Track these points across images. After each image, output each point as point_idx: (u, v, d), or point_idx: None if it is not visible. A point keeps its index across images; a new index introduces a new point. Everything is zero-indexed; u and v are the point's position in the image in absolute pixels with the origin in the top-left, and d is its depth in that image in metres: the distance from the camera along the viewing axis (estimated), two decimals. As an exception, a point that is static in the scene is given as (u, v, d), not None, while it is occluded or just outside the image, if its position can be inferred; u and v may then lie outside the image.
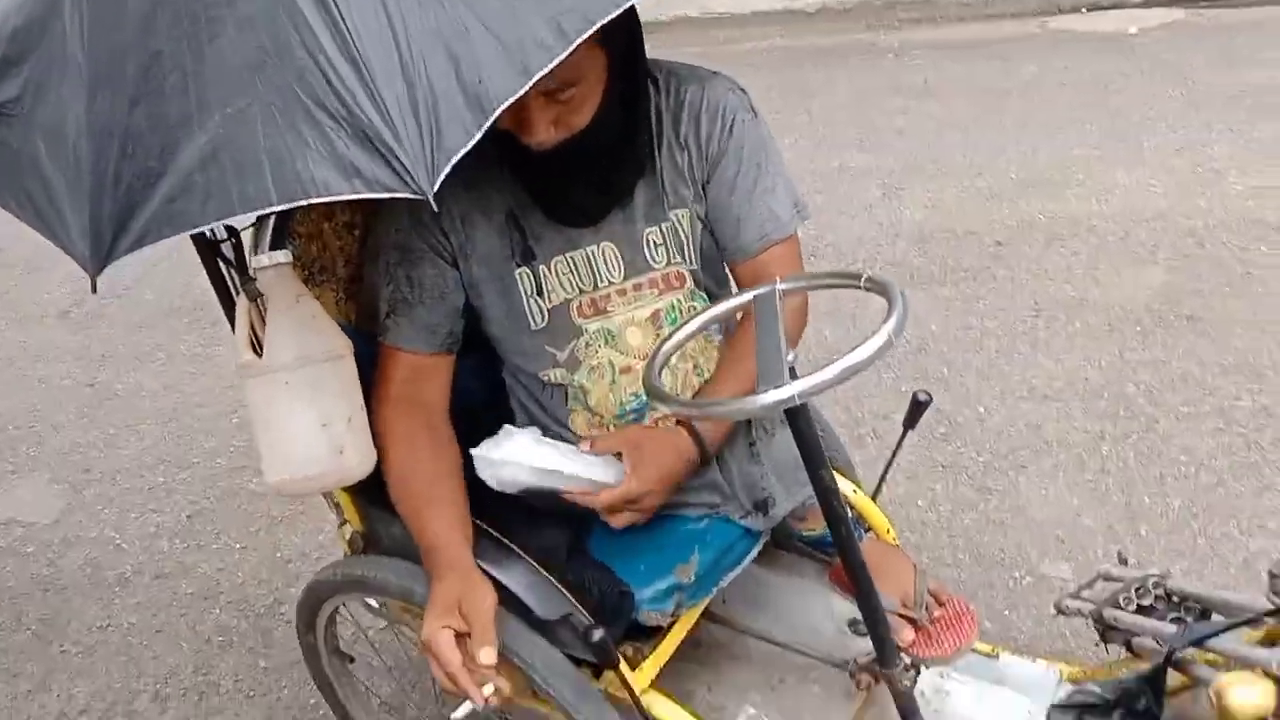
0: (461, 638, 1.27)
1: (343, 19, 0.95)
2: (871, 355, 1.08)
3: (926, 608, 1.57)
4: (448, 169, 0.91)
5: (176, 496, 2.98)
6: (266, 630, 2.43)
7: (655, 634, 1.54)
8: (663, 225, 1.46)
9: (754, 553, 1.61)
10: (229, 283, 1.44)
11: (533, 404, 1.55)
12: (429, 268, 1.43)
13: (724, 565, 1.57)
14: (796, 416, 1.23)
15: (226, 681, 2.32)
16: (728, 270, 1.56)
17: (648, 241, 1.46)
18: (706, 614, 1.71)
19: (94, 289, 1.17)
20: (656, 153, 1.43)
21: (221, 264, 1.44)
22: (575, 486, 1.42)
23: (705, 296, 1.52)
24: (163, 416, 3.40)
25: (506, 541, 1.46)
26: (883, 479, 1.76)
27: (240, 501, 2.90)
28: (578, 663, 1.45)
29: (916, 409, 1.62)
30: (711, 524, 1.58)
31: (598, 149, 1.34)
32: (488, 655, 1.24)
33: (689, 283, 1.49)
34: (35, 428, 3.46)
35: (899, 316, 1.10)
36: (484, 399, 1.61)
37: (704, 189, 1.46)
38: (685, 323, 1.39)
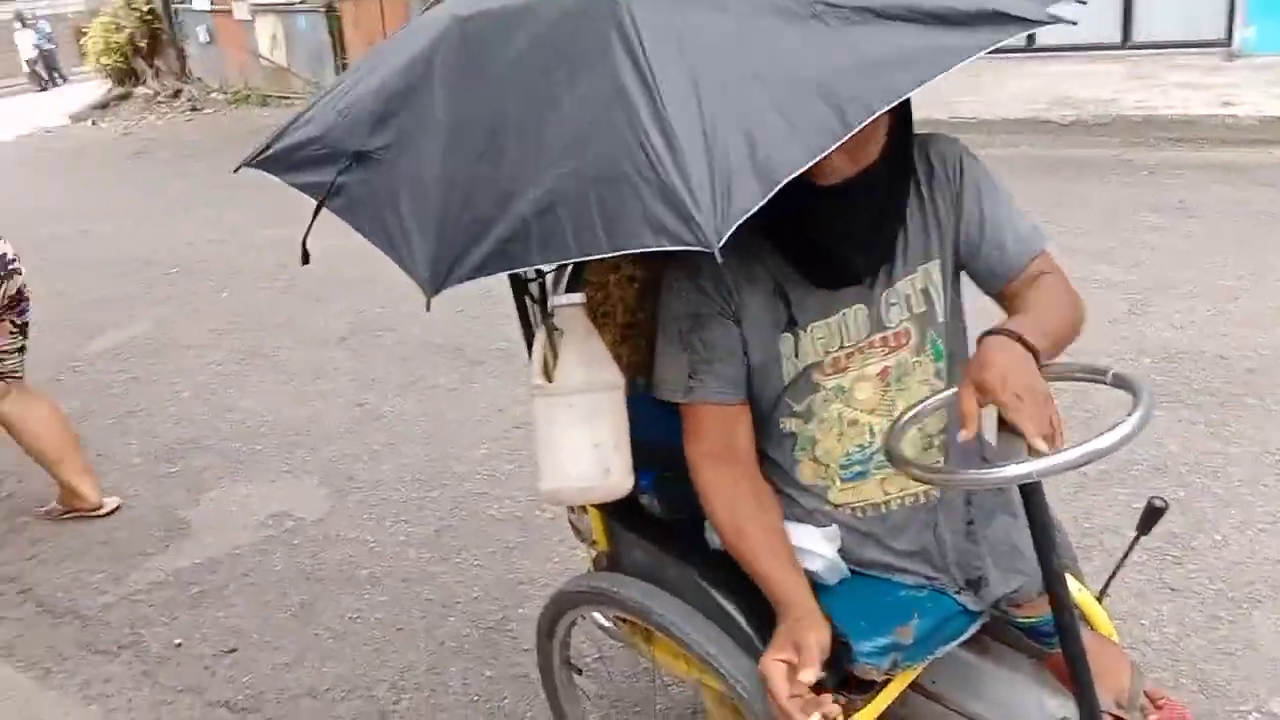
0: (793, 671, 1.38)
1: (662, 104, 1.15)
2: (1115, 443, 1.15)
3: (1142, 709, 1.58)
4: (733, 228, 1.06)
5: (426, 512, 3.28)
6: (494, 643, 2.65)
7: (865, 690, 1.62)
8: (902, 282, 1.57)
9: (971, 630, 1.66)
10: (531, 316, 1.68)
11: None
12: (718, 329, 1.57)
13: (941, 636, 1.63)
14: (1032, 494, 1.30)
15: (455, 683, 2.54)
16: (997, 295, 1.62)
17: (885, 301, 1.57)
18: (916, 686, 1.77)
19: (428, 308, 1.40)
20: (906, 208, 1.56)
21: (528, 299, 1.68)
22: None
23: (940, 350, 1.61)
24: (420, 440, 3.75)
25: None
26: (1110, 579, 1.77)
27: (481, 524, 3.17)
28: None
29: (1152, 515, 1.64)
30: (930, 594, 1.65)
31: (878, 186, 1.47)
32: (807, 675, 1.35)
33: (913, 339, 1.59)
34: (311, 436, 3.90)
35: (1145, 409, 1.17)
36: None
37: (956, 232, 1.57)
38: (929, 398, 1.50)
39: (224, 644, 2.80)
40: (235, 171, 1.90)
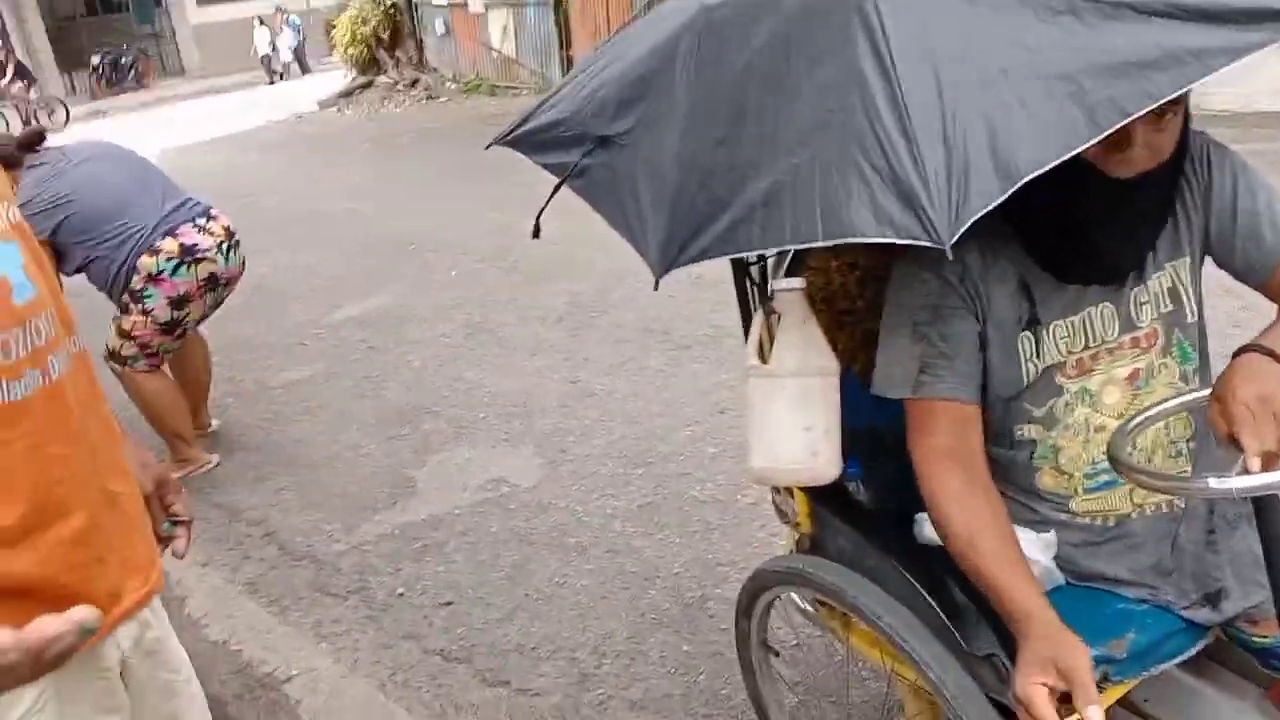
0: (1053, 694, 1.28)
1: (901, 94, 1.13)
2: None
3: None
4: (966, 226, 1.04)
5: (632, 488, 3.39)
6: (693, 619, 2.71)
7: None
8: (1152, 280, 1.50)
9: (1193, 650, 1.58)
10: (750, 299, 1.72)
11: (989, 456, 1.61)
12: (960, 323, 1.50)
13: (1158, 654, 1.55)
14: (1265, 508, 1.23)
15: (653, 654, 2.62)
16: (1265, 288, 1.53)
17: (1135, 300, 1.50)
18: (1127, 703, 1.70)
19: (656, 287, 1.46)
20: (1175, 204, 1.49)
21: (749, 283, 1.72)
22: None
23: (1186, 352, 1.54)
24: (629, 418, 3.86)
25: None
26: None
27: (683, 504, 3.24)
28: (993, 704, 1.53)
29: None
30: (1150, 609, 1.58)
31: (1165, 182, 1.41)
32: (1096, 714, 1.23)
33: (1160, 340, 1.52)
34: (527, 408, 4.09)
35: None
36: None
37: (1205, 227, 1.49)
38: (1164, 401, 1.44)
39: (441, 596, 2.99)
40: (486, 149, 2.04)
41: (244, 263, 3.78)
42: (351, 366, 4.80)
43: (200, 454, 3.96)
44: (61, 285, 1.23)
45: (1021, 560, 1.43)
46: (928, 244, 1.04)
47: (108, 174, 3.53)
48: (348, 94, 16.42)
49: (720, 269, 1.68)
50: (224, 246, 3.64)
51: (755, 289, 1.73)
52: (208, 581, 3.28)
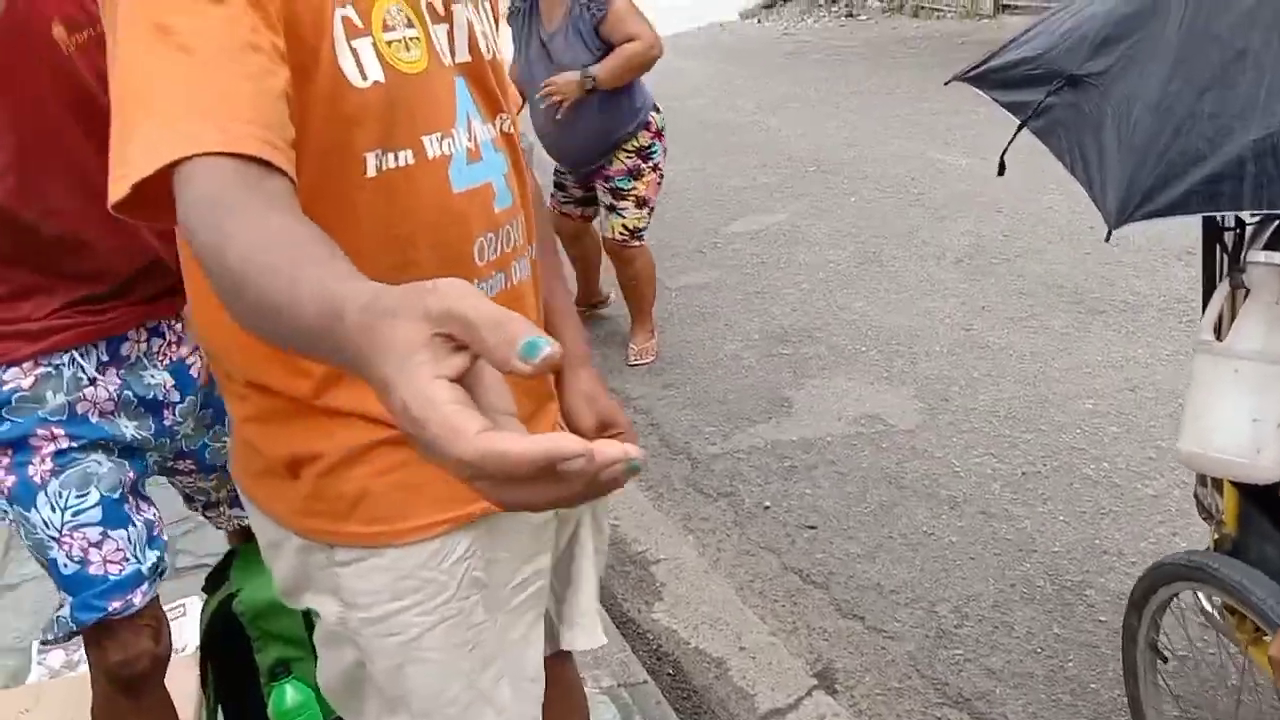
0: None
1: None
2: None
3: None
4: None
5: (1016, 452, 3.23)
6: (1068, 603, 2.56)
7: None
8: None
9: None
10: (1218, 267, 1.55)
11: None
12: None
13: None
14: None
15: (1020, 629, 2.51)
16: None
17: None
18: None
19: (1108, 239, 1.36)
20: None
21: (1219, 249, 1.54)
22: None
23: None
24: (1022, 378, 3.66)
25: None
26: None
27: (1073, 480, 3.04)
28: None
29: None
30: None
31: None
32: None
33: None
34: (912, 349, 3.99)
35: None
36: None
37: None
38: None
39: (805, 519, 3.04)
40: (946, 84, 1.96)
41: None
42: (742, 279, 4.91)
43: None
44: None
45: None
46: None
47: None
48: (769, 5, 16.46)
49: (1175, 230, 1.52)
50: None
51: (1225, 257, 1.55)
52: (593, 457, 3.54)
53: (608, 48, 3.59)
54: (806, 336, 4.23)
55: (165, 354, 1.68)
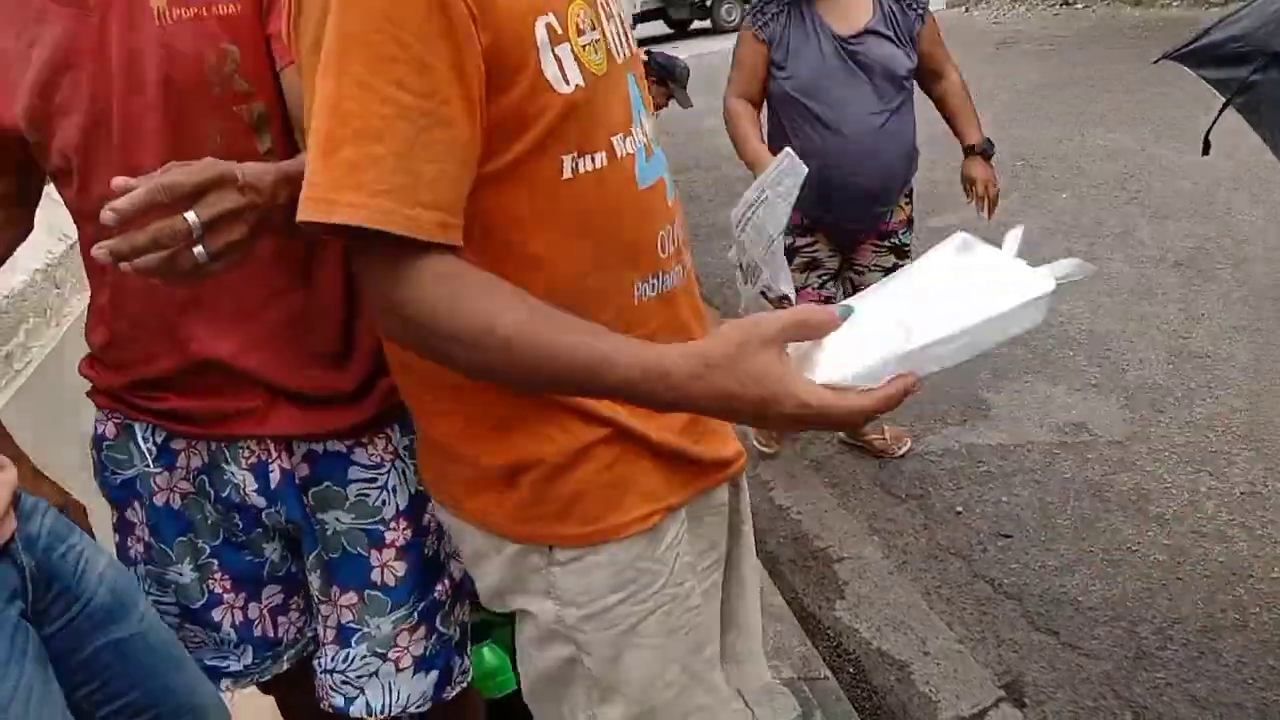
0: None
1: None
2: None
3: None
4: None
5: (1235, 470, 3.03)
6: (1287, 634, 2.40)
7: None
8: None
9: None
10: None
11: None
12: None
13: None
14: None
15: (1228, 656, 2.36)
16: None
17: None
18: None
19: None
20: None
21: None
22: None
23: None
24: (1244, 392, 3.42)
25: None
26: None
27: (1300, 503, 2.83)
28: None
29: None
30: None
31: None
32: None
33: None
34: (1124, 355, 3.79)
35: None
36: None
37: None
38: None
39: (1000, 527, 2.95)
40: (1155, 63, 1.89)
41: None
42: (941, 276, 4.77)
43: None
44: None
45: None
46: None
47: None
48: (980, -7, 15.87)
49: None
50: None
51: None
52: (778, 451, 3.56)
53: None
54: (1012, 338, 4.07)
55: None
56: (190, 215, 0.93)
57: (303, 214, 0.91)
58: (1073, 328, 4.07)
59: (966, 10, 15.11)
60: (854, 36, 2.87)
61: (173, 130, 1.22)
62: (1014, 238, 0.98)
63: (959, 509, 3.06)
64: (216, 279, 1.01)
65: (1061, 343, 3.96)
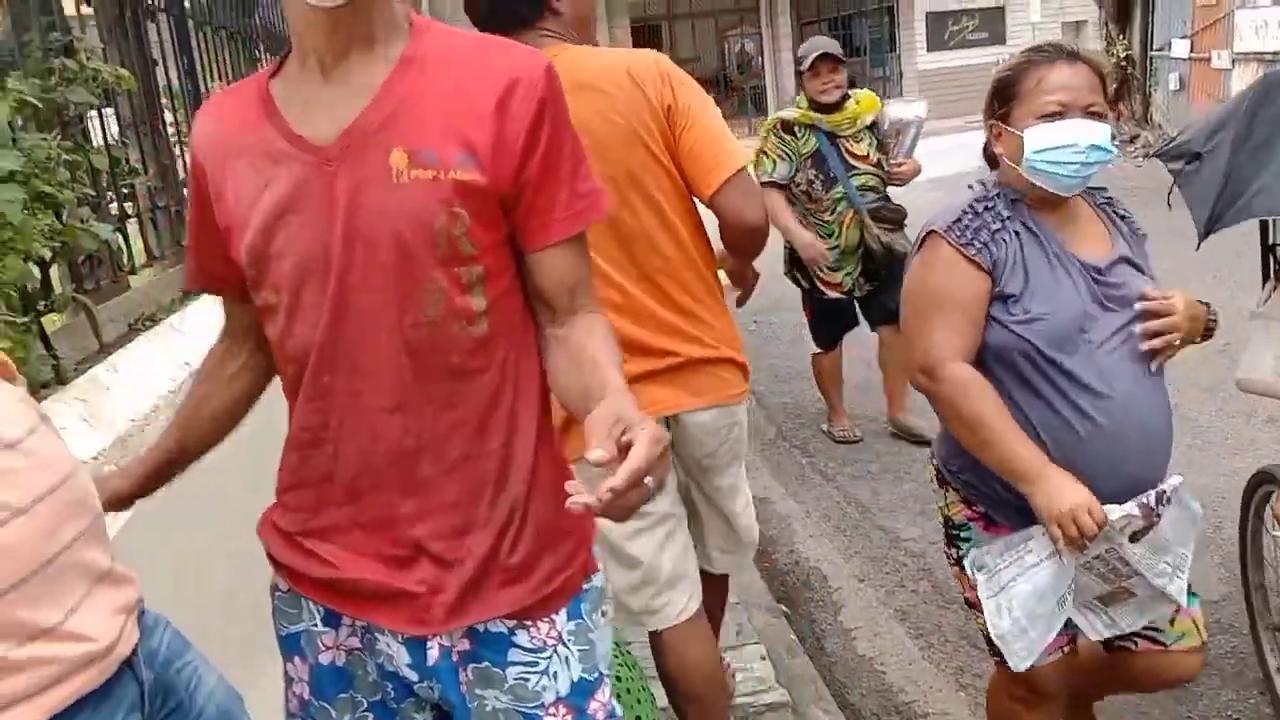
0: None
1: None
2: None
3: None
4: None
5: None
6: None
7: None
8: None
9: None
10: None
11: None
12: None
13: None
14: None
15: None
16: None
17: None
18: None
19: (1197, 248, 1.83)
20: None
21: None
22: None
23: None
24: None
25: None
26: None
27: None
28: None
29: None
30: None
31: None
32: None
33: None
34: (1217, 514, 3.71)
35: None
36: None
37: None
38: None
39: (1090, 686, 2.86)
40: (1147, 158, 1.94)
41: None
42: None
43: None
44: None
45: None
46: None
47: None
48: (1057, 145, 16.09)
49: None
50: None
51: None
52: (862, 597, 3.53)
53: None
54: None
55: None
56: (649, 481, 1.07)
57: None
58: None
59: (1047, 162, 15.29)
60: (1104, 266, 2.01)
61: (395, 284, 1.25)
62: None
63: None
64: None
65: (1152, 497, 3.88)
